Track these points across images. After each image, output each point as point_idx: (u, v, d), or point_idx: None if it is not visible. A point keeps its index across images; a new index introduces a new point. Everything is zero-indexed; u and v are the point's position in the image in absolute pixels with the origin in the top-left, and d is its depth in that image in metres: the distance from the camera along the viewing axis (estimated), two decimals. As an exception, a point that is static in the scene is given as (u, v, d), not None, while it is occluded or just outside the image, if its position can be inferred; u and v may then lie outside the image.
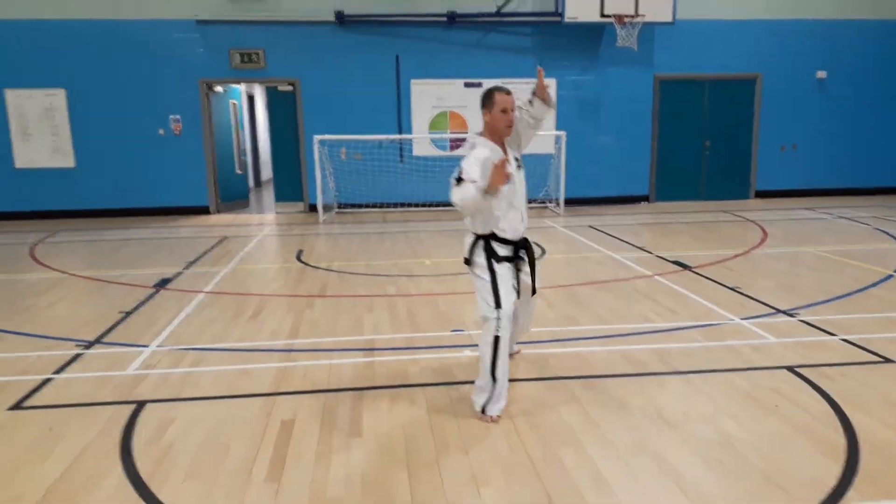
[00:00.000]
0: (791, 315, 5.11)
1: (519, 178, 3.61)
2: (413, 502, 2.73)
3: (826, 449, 3.10)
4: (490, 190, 3.30)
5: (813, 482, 2.83)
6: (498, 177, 3.26)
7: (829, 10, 11.90)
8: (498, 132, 3.54)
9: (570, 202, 11.42)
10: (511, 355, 4.13)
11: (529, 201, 11.77)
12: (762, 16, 11.79)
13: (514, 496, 2.77)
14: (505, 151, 3.54)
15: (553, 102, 3.65)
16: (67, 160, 11.10)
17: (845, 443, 3.15)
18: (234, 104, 12.44)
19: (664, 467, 2.97)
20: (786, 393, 3.71)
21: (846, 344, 4.46)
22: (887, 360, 4.15)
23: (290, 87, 11.44)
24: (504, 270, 3.54)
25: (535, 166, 11.70)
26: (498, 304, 3.46)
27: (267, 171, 17.02)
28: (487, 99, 3.51)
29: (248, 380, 4.07)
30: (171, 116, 11.17)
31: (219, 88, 11.63)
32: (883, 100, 12.32)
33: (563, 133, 11.20)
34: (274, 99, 11.68)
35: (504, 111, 3.48)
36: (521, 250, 3.67)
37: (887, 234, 8.47)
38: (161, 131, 11.17)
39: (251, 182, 15.69)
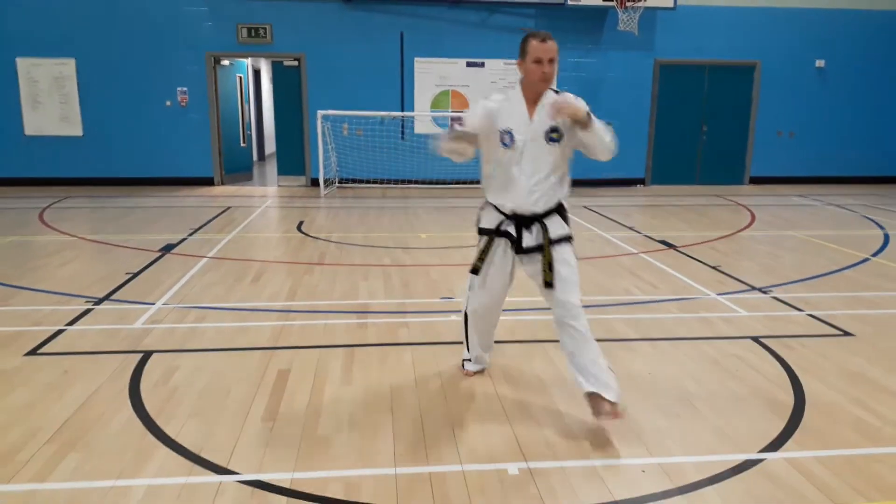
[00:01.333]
0: (764, 292, 5.38)
1: (540, 150, 3.14)
2: (395, 439, 3.03)
3: (775, 408, 3.38)
4: (455, 132, 3.09)
5: (759, 435, 3.11)
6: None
7: (830, -1, 12.04)
8: (532, 85, 3.13)
9: (567, 183, 11.62)
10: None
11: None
12: (763, 3, 11.91)
13: (486, 437, 3.06)
14: (533, 109, 3.15)
15: (590, 123, 3.04)
16: (76, 129, 11.34)
17: (793, 403, 3.43)
18: (240, 78, 12.63)
19: (626, 419, 3.24)
20: (747, 360, 3.99)
21: (811, 318, 4.73)
22: (846, 334, 4.43)
23: (295, 63, 11.63)
24: (485, 245, 3.29)
25: (534, 147, 11.92)
26: (471, 284, 3.43)
27: (271, 145, 17.23)
28: (523, 46, 3.13)
29: (248, 335, 4.36)
30: (179, 88, 11.38)
31: (225, 62, 11.83)
32: (880, 90, 12.47)
33: (562, 115, 11.38)
34: (279, 74, 11.88)
35: (538, 61, 3.06)
36: (523, 228, 3.22)
37: (874, 221, 8.71)
38: (168, 103, 11.40)
39: (255, 155, 15.91)
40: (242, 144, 12.72)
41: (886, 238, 7.58)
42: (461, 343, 3.81)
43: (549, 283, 3.14)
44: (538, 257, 3.19)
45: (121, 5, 10.98)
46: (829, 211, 9.62)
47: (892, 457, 2.92)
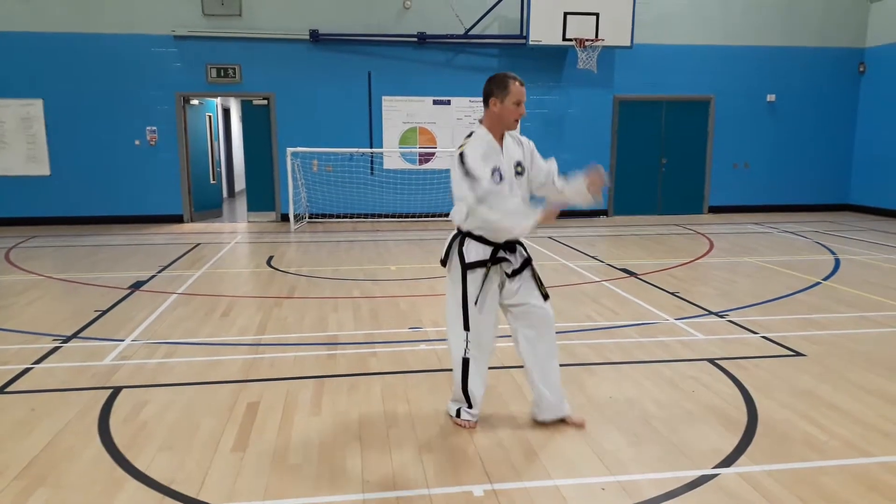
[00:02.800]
0: (721, 316, 5.59)
1: (518, 184, 3.33)
2: (363, 466, 3.10)
3: (729, 425, 3.54)
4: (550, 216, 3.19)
5: (713, 451, 3.25)
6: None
7: (777, 37, 12.62)
8: (505, 125, 3.24)
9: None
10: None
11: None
12: (715, 41, 12.46)
13: (453, 461, 3.15)
14: (501, 145, 3.29)
15: (592, 199, 3.33)
16: (43, 168, 11.30)
17: (746, 420, 3.59)
18: (209, 117, 12.75)
19: (587, 440, 3.37)
20: (703, 381, 4.15)
21: (765, 340, 4.94)
22: (798, 354, 4.63)
23: (264, 101, 11.80)
24: (480, 280, 3.30)
25: (501, 181, 12.19)
26: (466, 323, 3.34)
27: (241, 182, 17.29)
28: (501, 87, 3.18)
29: (218, 369, 4.41)
30: (148, 128, 11.45)
31: (195, 101, 11.95)
32: (828, 122, 13.06)
33: (527, 149, 11.70)
34: (249, 112, 12.02)
35: (517, 103, 3.19)
36: (506, 252, 3.33)
37: (825, 246, 9.06)
38: (137, 142, 11.45)
39: (225, 192, 15.97)
40: (212, 182, 12.77)
41: (837, 262, 7.91)
42: (429, 371, 3.91)
43: (546, 296, 3.43)
44: (520, 277, 3.38)
45: (89, 47, 11.08)
46: (784, 238, 9.99)
47: (838, 469, 3.08)
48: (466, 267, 3.30)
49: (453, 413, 3.57)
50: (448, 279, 3.43)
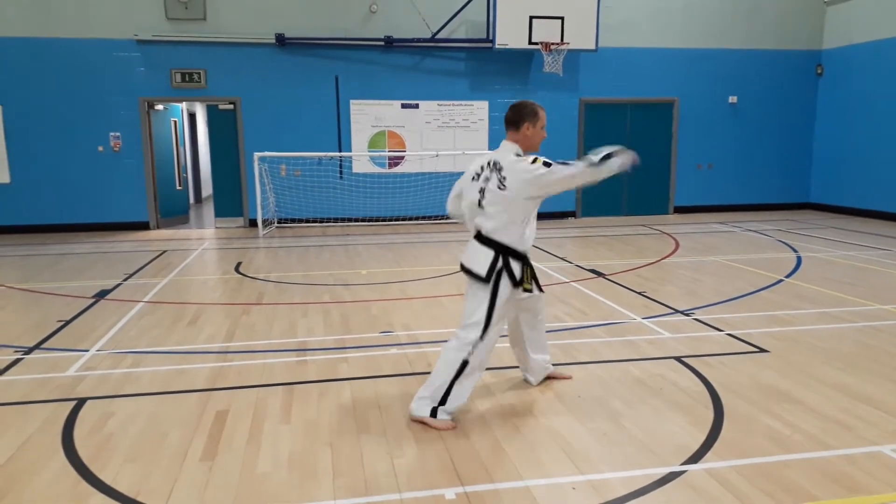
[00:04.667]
0: (687, 314, 5.69)
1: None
2: (334, 473, 3.09)
3: (696, 422, 3.60)
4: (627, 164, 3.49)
5: (681, 448, 3.31)
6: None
7: (738, 40, 12.88)
8: (533, 146, 3.60)
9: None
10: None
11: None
12: (678, 45, 12.69)
13: (424, 465, 3.16)
14: None
15: None
16: (2, 176, 11.02)
17: (713, 417, 3.66)
18: (174, 122, 12.57)
19: (556, 439, 3.41)
20: (670, 378, 4.22)
21: (730, 337, 5.04)
22: (762, 350, 4.73)
23: (230, 106, 11.68)
24: (507, 294, 3.55)
25: (470, 183, 12.24)
26: (483, 334, 3.52)
27: (208, 188, 17.08)
28: (533, 114, 3.55)
29: (185, 378, 4.35)
30: (111, 134, 11.25)
31: (160, 107, 11.78)
32: (788, 122, 13.37)
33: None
34: (215, 117, 11.88)
35: (543, 128, 3.61)
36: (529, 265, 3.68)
37: (787, 244, 9.27)
38: (100, 148, 11.24)
39: (191, 198, 15.76)
40: (178, 188, 12.60)
41: (799, 260, 8.10)
42: (401, 375, 3.90)
43: (539, 285, 3.87)
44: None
45: (49, 51, 10.85)
46: (747, 236, 10.19)
47: (801, 462, 3.15)
48: (517, 282, 3.56)
49: (426, 413, 3.56)
50: (476, 287, 3.57)
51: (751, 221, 11.88)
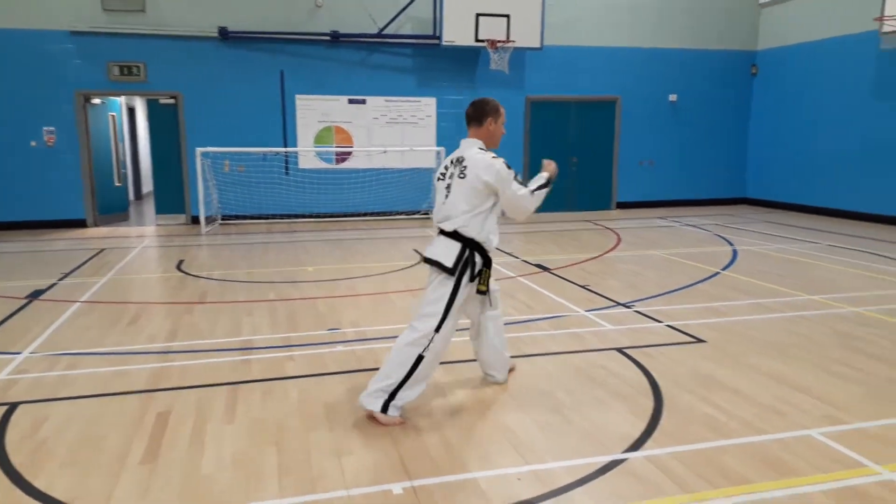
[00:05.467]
0: (628, 307, 5.84)
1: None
2: (280, 472, 3.06)
3: (637, 411, 3.70)
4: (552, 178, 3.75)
5: (622, 436, 3.40)
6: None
7: (678, 40, 13.25)
8: (494, 143, 3.75)
9: (451, 214, 12.05)
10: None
11: (412, 212, 12.29)
12: (620, 43, 12.96)
13: (372, 460, 3.16)
14: None
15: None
16: (-75, 172, 10.49)
17: (653, 406, 3.77)
18: (113, 116, 12.17)
19: (503, 431, 3.45)
20: (612, 369, 4.33)
21: (669, 329, 5.19)
22: (699, 341, 4.90)
23: (172, 100, 11.38)
24: (467, 291, 3.63)
25: (418, 180, 12.27)
26: (440, 325, 3.55)
27: (148, 184, 16.61)
28: (495, 110, 3.70)
29: (125, 379, 4.23)
30: (45, 128, 10.82)
31: (97, 100, 11.38)
32: (725, 120, 13.83)
33: (442, 149, 11.83)
34: (155, 111, 11.56)
35: (504, 124, 3.79)
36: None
37: (724, 238, 9.60)
38: (33, 143, 10.79)
39: (131, 195, 15.30)
40: (117, 184, 12.21)
41: (735, 253, 8.40)
42: (348, 372, 3.88)
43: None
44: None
45: (-25, 41, 10.37)
46: (686, 231, 10.51)
47: (736, 447, 3.27)
48: (473, 276, 3.63)
49: (376, 408, 3.52)
50: (439, 279, 3.61)
51: (690, 216, 12.24)
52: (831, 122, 12.02)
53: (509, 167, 3.59)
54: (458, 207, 3.57)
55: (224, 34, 11.11)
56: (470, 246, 3.59)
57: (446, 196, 3.64)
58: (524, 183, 3.64)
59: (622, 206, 13.49)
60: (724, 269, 7.46)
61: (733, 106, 13.83)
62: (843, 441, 3.30)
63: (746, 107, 13.94)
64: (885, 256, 8.14)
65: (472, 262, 3.60)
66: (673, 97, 13.36)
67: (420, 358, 3.52)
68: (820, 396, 3.88)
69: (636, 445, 3.30)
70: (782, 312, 5.66)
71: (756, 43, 13.72)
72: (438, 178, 3.76)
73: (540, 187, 3.66)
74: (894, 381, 4.11)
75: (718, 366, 4.39)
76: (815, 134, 12.39)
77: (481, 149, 3.67)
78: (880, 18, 10.27)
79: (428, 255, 3.68)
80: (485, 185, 3.54)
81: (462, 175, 3.57)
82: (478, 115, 3.70)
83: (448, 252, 3.58)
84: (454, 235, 3.60)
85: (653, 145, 13.47)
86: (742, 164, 14.14)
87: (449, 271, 3.55)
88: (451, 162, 3.71)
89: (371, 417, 3.58)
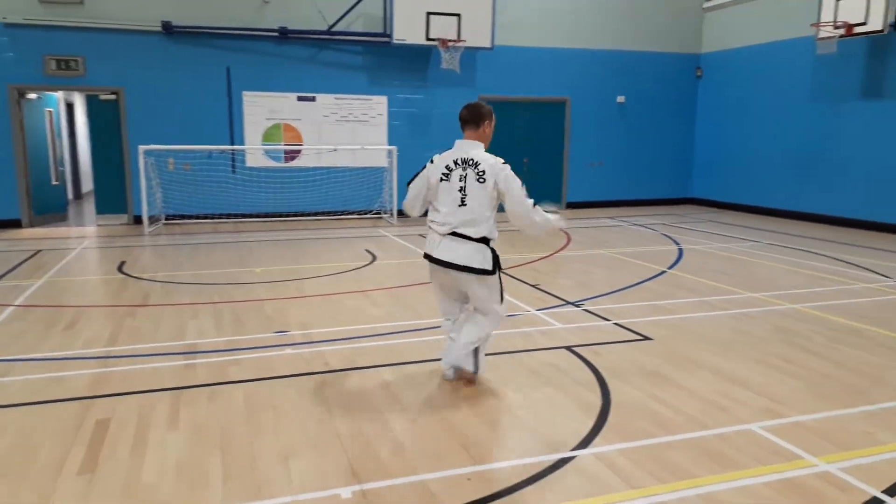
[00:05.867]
0: (577, 305, 5.91)
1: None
2: (225, 479, 2.98)
3: (586, 408, 3.74)
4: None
5: (571, 433, 3.43)
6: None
7: (626, 42, 13.50)
8: (487, 144, 3.90)
9: (403, 213, 11.99)
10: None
11: (364, 212, 12.20)
12: (570, 45, 13.13)
13: (320, 465, 3.11)
14: None
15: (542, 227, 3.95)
16: None
17: (601, 403, 3.82)
18: (49, 112, 11.71)
19: (453, 431, 3.44)
20: (562, 367, 4.37)
21: (617, 327, 5.27)
22: (646, 338, 4.99)
23: (113, 96, 11.01)
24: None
25: (370, 179, 12.18)
26: (502, 300, 3.95)
27: (88, 183, 16.06)
28: (490, 113, 3.90)
29: (62, 386, 4.07)
30: (-26, 123, 10.35)
31: (32, 95, 10.93)
32: (672, 121, 14.15)
33: (394, 148, 11.77)
34: (95, 108, 11.18)
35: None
36: None
37: (670, 238, 9.82)
38: (-39, 139, 10.31)
39: (70, 194, 14.76)
40: (55, 183, 11.75)
41: (681, 252, 8.60)
42: (296, 376, 3.81)
43: None
44: None
45: None
46: (634, 230, 10.71)
47: (681, 442, 3.34)
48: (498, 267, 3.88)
49: (482, 369, 4.04)
50: (482, 282, 3.83)
51: (638, 216, 12.49)
52: (771, 125, 12.43)
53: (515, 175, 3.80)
54: (482, 213, 3.74)
55: (168, 28, 10.81)
56: (488, 244, 3.81)
57: (462, 199, 3.74)
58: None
59: (572, 205, 13.67)
60: (670, 267, 7.62)
61: (679, 108, 14.17)
62: (782, 434, 3.40)
63: (692, 109, 14.30)
64: (821, 255, 8.45)
65: (495, 253, 3.84)
66: (621, 98, 13.60)
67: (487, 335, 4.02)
68: (759, 391, 3.99)
69: (585, 443, 3.33)
70: (726, 310, 5.82)
71: (700, 46, 14.08)
72: (441, 179, 3.82)
73: (545, 213, 3.88)
74: (830, 375, 4.26)
75: (664, 362, 4.48)
76: (756, 135, 12.80)
77: (484, 150, 3.85)
78: (816, 25, 10.67)
79: (448, 258, 3.77)
80: (494, 188, 3.74)
81: (481, 179, 3.71)
82: (475, 118, 3.86)
83: (480, 256, 3.76)
84: (476, 237, 3.76)
85: (602, 146, 13.69)
86: (688, 164, 14.50)
87: (490, 273, 3.78)
88: (455, 163, 3.80)
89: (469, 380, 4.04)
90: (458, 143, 3.88)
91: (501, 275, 3.97)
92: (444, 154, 3.88)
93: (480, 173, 3.71)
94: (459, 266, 3.76)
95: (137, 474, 3.02)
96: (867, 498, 2.79)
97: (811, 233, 10.36)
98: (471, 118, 3.87)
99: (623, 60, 13.52)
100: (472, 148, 3.83)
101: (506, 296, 4.05)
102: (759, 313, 5.70)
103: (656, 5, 13.56)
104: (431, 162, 3.92)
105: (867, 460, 3.13)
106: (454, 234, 3.77)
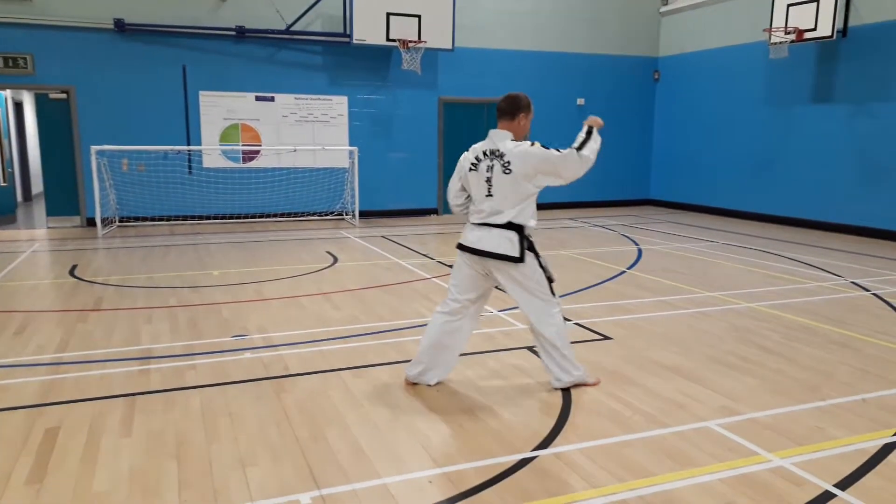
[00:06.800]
0: (539, 306, 5.93)
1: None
2: (180, 487, 2.90)
3: (547, 409, 3.76)
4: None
5: (533, 434, 3.44)
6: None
7: (585, 45, 13.65)
8: (524, 135, 3.86)
9: (365, 214, 11.93)
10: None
11: (325, 213, 12.10)
12: (529, 47, 13.22)
13: (278, 471, 3.05)
14: None
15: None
16: None
17: (562, 403, 3.84)
18: (-5, 110, 11.33)
19: (416, 435, 3.42)
20: (523, 368, 4.38)
21: (578, 327, 5.32)
22: (606, 338, 5.04)
23: (63, 95, 10.70)
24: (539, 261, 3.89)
25: (331, 180, 12.08)
26: (553, 293, 3.93)
27: (38, 184, 15.55)
28: (528, 106, 3.83)
29: (8, 394, 3.92)
30: (-85, 122, 9.95)
31: (-24, 92, 10.56)
32: (630, 123, 14.36)
33: (355, 149, 11.69)
34: (45, 107, 10.83)
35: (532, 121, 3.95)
36: None
37: (630, 238, 9.96)
38: None
39: (19, 196, 14.28)
40: (2, 184, 11.38)
41: (640, 253, 8.72)
42: (254, 381, 3.73)
43: None
44: None
45: None
46: (595, 231, 10.84)
47: (640, 441, 3.37)
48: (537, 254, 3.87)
49: (572, 380, 3.99)
50: (519, 273, 3.80)
51: (598, 217, 12.64)
52: (726, 127, 12.71)
53: (545, 146, 3.73)
54: (507, 201, 3.73)
55: (120, 26, 10.55)
56: (519, 231, 3.76)
57: (489, 190, 3.76)
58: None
59: (533, 206, 13.74)
60: (629, 267, 7.73)
61: (638, 110, 14.39)
62: (738, 431, 3.46)
63: (650, 111, 14.53)
64: (775, 254, 8.67)
65: (530, 241, 3.82)
66: (581, 101, 13.75)
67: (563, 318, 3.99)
68: (716, 389, 4.06)
69: (545, 443, 3.34)
70: (684, 309, 5.92)
71: (658, 50, 14.32)
72: (470, 169, 3.85)
73: (583, 143, 3.77)
74: (783, 372, 4.36)
75: (624, 362, 4.53)
76: (712, 138, 13.07)
77: (513, 140, 3.78)
78: (769, 30, 10.95)
79: (479, 246, 3.78)
80: (534, 170, 3.70)
81: (507, 171, 3.69)
82: (511, 109, 3.80)
83: (508, 243, 3.73)
84: (507, 225, 3.75)
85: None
86: (646, 166, 14.73)
87: (517, 260, 3.72)
88: (485, 154, 3.79)
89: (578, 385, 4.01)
90: (490, 132, 3.85)
91: (543, 265, 3.90)
92: (477, 144, 3.89)
93: (506, 164, 3.70)
94: (486, 252, 3.77)
95: (88, 482, 2.93)
96: (820, 492, 2.86)
97: (765, 233, 10.62)
98: (507, 108, 3.82)
99: (583, 63, 13.67)
100: (501, 139, 3.79)
101: (556, 294, 4.00)
102: (717, 312, 5.81)
103: (615, 9, 13.75)
104: (468, 151, 3.93)
105: (819, 455, 3.21)
106: (485, 224, 3.79)
